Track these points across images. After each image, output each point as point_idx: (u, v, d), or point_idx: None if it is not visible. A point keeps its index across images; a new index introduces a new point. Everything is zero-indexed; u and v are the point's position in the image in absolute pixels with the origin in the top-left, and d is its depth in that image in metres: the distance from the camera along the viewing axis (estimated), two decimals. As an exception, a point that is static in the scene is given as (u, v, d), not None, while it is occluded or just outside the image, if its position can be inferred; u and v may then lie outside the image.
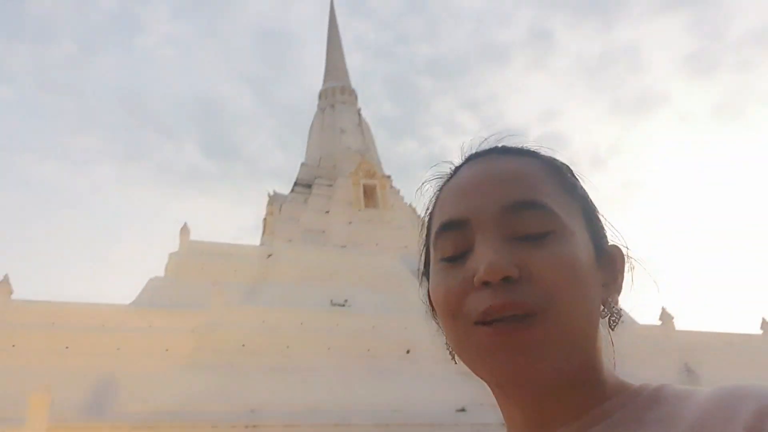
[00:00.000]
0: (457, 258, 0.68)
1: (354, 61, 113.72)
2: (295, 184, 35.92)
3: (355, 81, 44.89)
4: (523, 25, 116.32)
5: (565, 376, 0.63)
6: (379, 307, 23.74)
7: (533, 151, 0.74)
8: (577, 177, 0.75)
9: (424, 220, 0.81)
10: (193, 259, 25.81)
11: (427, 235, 0.78)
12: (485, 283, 0.62)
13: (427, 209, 0.79)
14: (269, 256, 27.34)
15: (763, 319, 27.00)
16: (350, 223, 31.58)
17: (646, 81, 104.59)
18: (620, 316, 0.71)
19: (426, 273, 0.79)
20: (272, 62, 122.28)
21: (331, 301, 24.20)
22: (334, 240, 30.00)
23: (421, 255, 0.81)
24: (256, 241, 34.32)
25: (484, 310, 0.62)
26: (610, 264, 0.72)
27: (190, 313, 21.25)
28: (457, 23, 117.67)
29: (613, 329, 0.72)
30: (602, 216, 0.75)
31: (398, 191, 35.91)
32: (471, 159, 0.76)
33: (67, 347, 18.76)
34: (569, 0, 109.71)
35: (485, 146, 0.77)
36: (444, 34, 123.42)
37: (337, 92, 42.37)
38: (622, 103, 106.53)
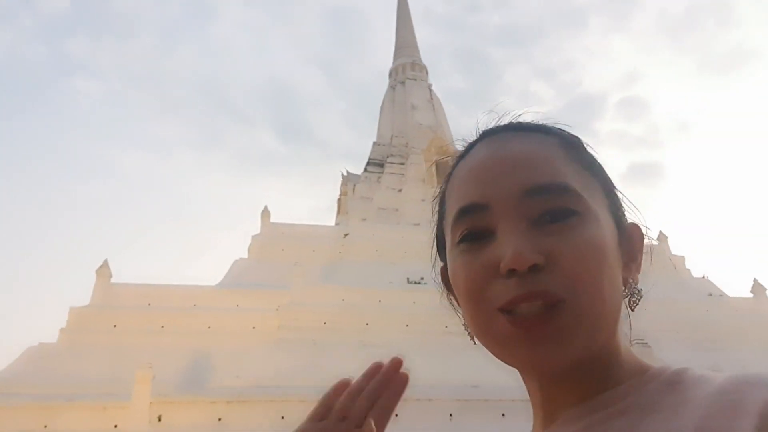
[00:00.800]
0: (476, 241, 0.66)
1: (422, 35, 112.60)
2: (368, 163, 36.25)
3: (424, 56, 44.45)
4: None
5: (584, 361, 0.63)
6: (456, 284, 23.82)
7: (548, 127, 0.73)
8: (593, 152, 0.73)
9: (436, 197, 0.80)
10: (274, 240, 26.74)
11: (440, 213, 0.78)
12: (511, 270, 0.61)
13: (442, 187, 0.78)
14: (346, 235, 27.92)
15: None
16: (423, 200, 31.66)
17: (737, 37, 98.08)
18: (641, 296, 0.71)
19: (440, 251, 0.80)
20: (342, 43, 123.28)
21: (408, 279, 24.50)
22: (407, 218, 30.23)
23: (433, 231, 0.81)
24: (329, 221, 35.05)
25: (509, 300, 0.61)
26: (629, 243, 0.70)
27: (273, 292, 22.14)
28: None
29: (633, 310, 0.71)
30: (620, 192, 0.73)
31: (471, 166, 35.55)
32: (486, 136, 0.75)
33: (162, 326, 20.03)
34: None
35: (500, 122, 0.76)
36: (516, 1, 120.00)
37: (407, 68, 42.01)
38: (710, 62, 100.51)
